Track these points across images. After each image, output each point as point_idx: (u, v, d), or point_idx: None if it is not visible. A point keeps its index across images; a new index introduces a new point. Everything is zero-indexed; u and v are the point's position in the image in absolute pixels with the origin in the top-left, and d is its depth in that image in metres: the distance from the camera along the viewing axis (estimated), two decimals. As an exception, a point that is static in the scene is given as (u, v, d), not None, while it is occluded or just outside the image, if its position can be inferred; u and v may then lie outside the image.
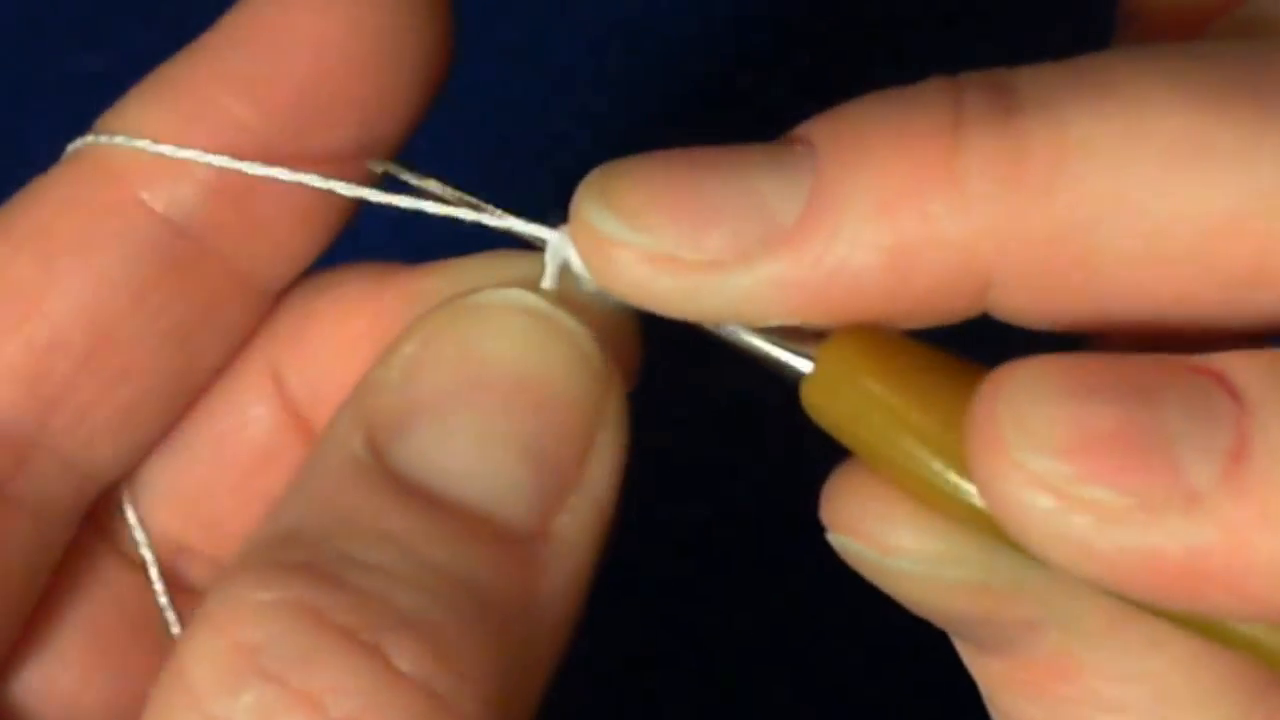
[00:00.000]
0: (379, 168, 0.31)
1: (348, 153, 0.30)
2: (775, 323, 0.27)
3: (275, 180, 0.30)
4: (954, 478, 0.26)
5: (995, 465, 0.24)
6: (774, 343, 0.28)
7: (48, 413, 0.30)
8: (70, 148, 0.30)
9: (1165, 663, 0.28)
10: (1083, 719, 0.28)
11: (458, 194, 0.30)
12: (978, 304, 0.27)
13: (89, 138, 0.30)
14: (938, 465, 0.26)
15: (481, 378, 0.27)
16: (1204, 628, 0.25)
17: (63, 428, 0.30)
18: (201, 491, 0.32)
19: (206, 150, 0.29)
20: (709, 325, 0.28)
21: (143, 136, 0.29)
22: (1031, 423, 0.24)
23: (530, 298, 0.28)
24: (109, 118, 0.30)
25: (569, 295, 0.29)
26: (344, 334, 0.31)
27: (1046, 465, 0.24)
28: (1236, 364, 0.24)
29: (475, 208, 0.30)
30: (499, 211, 0.30)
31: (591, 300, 0.29)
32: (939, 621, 0.28)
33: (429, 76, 0.30)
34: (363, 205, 0.31)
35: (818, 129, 0.27)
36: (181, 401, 0.31)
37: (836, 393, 0.27)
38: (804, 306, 0.27)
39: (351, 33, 0.29)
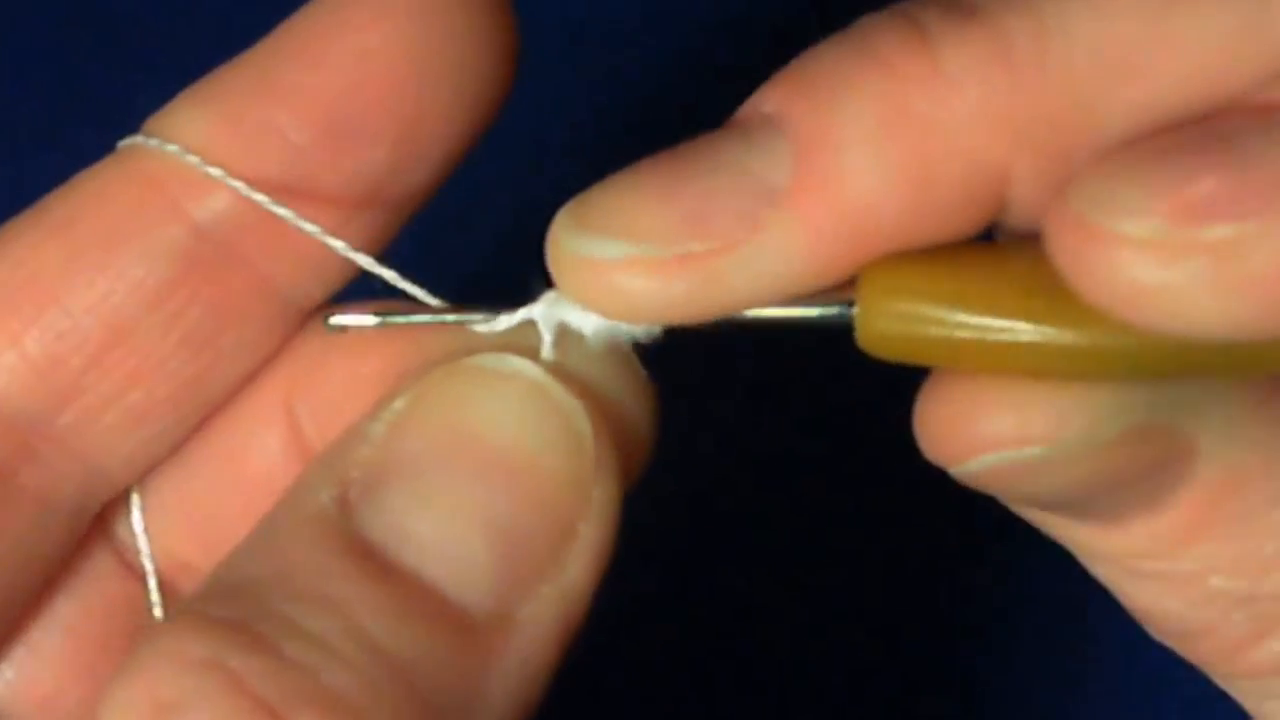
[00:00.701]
0: (329, 325, 0.30)
1: (384, 173, 0.29)
2: (802, 288, 0.26)
3: (281, 216, 0.29)
4: (1052, 329, 0.25)
5: (1104, 255, 0.23)
6: (808, 304, 0.27)
7: (59, 406, 0.30)
8: (120, 144, 0.30)
9: None
10: (1253, 534, 0.27)
11: (442, 303, 0.29)
12: (997, 204, 0.26)
13: (138, 137, 0.30)
14: (1032, 325, 0.25)
15: (464, 445, 0.27)
16: None
17: (73, 423, 0.30)
18: (207, 511, 0.32)
19: (246, 157, 0.29)
20: (736, 315, 0.27)
21: (185, 142, 0.29)
22: (1127, 200, 0.23)
23: (528, 366, 0.28)
24: (158, 119, 0.30)
25: (578, 371, 0.28)
26: (356, 373, 0.30)
27: (1155, 227, 0.23)
28: None
29: (459, 309, 0.29)
30: (482, 314, 0.29)
31: (603, 376, 0.28)
32: (1084, 506, 0.27)
33: (477, 100, 0.29)
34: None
35: (770, 96, 0.26)
36: (195, 411, 0.31)
37: (895, 318, 0.26)
38: (830, 255, 0.26)
39: (397, 49, 0.28)
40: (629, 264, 0.26)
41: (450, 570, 0.26)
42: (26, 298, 0.29)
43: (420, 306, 0.29)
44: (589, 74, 0.45)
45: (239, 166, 0.29)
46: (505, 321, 0.28)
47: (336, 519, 0.26)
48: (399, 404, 0.27)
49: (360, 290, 0.31)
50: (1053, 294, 0.24)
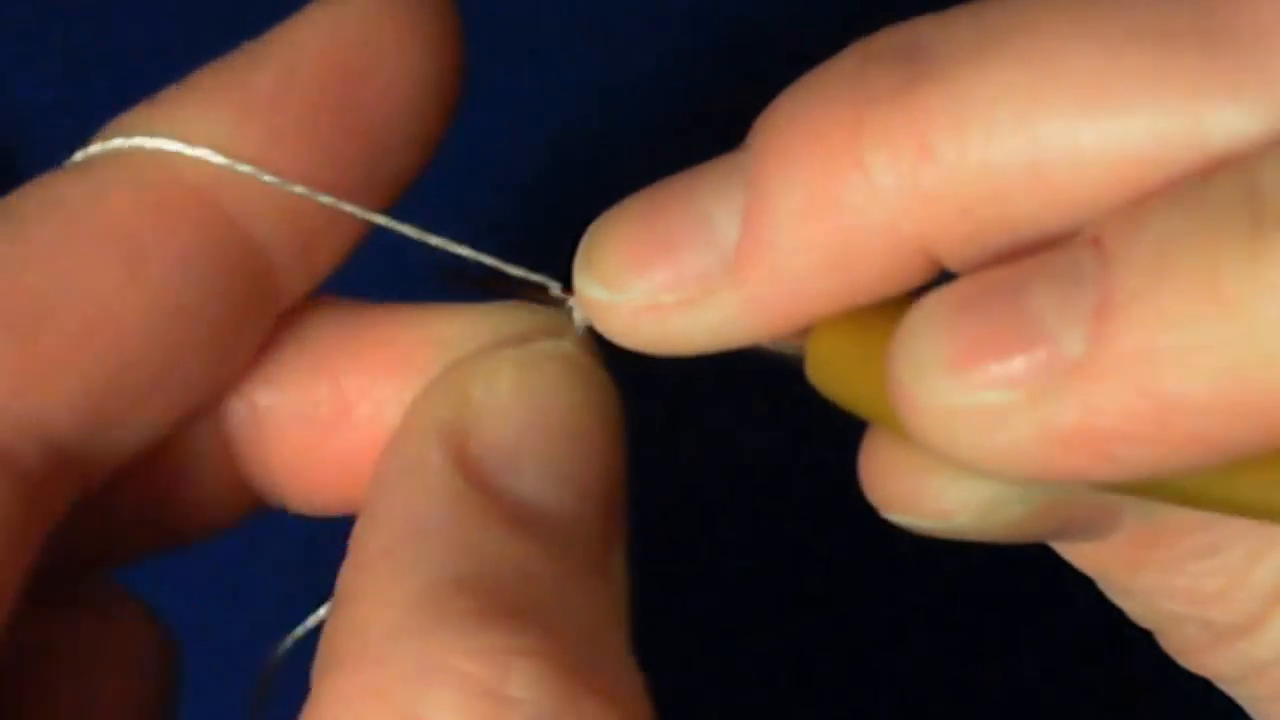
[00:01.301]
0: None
1: (388, 164, 0.31)
2: (762, 340, 0.29)
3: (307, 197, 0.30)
4: None
5: (908, 410, 0.25)
6: (772, 346, 0.29)
7: (100, 431, 0.29)
8: (105, 146, 0.30)
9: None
10: (1189, 575, 0.29)
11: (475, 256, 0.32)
12: (931, 268, 0.27)
13: (143, 139, 0.29)
14: None
15: (549, 426, 0.30)
16: (1160, 489, 0.25)
17: (101, 447, 0.29)
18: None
19: (259, 150, 0.29)
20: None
21: (191, 138, 0.29)
22: (916, 356, 0.25)
23: (576, 352, 0.31)
24: (142, 119, 0.30)
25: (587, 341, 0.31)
26: (333, 360, 0.31)
27: (939, 389, 0.24)
28: (1109, 223, 0.24)
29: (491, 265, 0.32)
30: (516, 269, 0.32)
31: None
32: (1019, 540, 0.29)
33: (439, 88, 0.31)
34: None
35: (756, 127, 0.28)
36: (188, 414, 0.31)
37: (831, 376, 0.28)
38: (770, 319, 0.28)
39: (360, 43, 0.30)
40: (616, 307, 0.29)
41: (578, 529, 0.29)
42: (81, 317, 0.29)
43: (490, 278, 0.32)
44: (596, 68, 0.45)
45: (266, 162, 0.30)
46: (546, 284, 0.31)
47: (484, 502, 0.28)
48: (477, 392, 0.30)
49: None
50: None
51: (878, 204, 0.26)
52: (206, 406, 0.31)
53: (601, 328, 0.30)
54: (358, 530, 0.29)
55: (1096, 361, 0.23)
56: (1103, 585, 0.30)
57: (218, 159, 0.29)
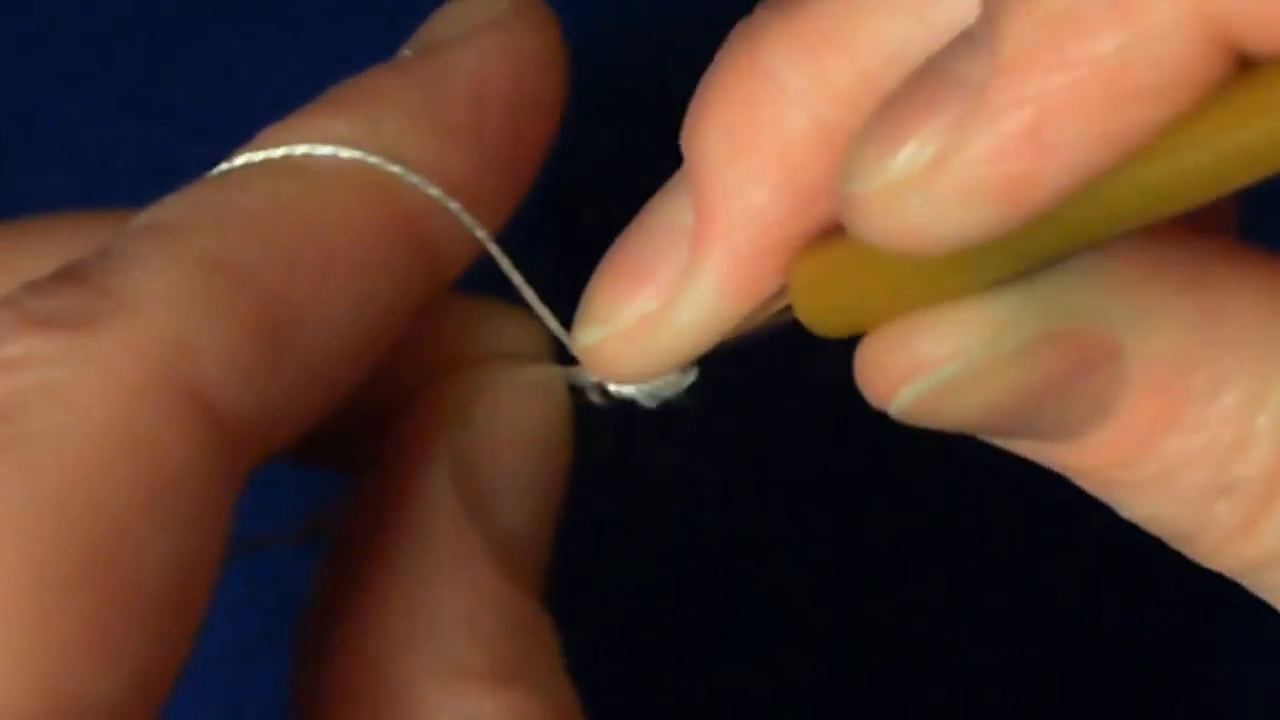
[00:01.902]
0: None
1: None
2: (742, 313, 0.30)
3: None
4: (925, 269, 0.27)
5: (858, 215, 0.25)
6: (765, 322, 0.30)
7: (294, 439, 0.29)
8: (316, 150, 0.30)
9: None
10: (1205, 424, 0.27)
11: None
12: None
13: (357, 154, 0.30)
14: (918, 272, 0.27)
15: (549, 455, 0.32)
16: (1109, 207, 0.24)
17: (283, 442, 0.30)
18: None
19: (463, 169, 0.31)
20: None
21: (403, 156, 0.30)
22: (854, 164, 0.25)
23: (560, 379, 0.33)
24: (343, 126, 0.30)
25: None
26: None
27: (874, 174, 0.24)
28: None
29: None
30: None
31: None
32: (1028, 426, 0.28)
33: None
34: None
35: (683, 130, 0.29)
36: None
37: (816, 304, 0.29)
38: (750, 281, 0.29)
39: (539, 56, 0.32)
40: (606, 344, 0.31)
41: (538, 554, 0.32)
42: (321, 343, 0.29)
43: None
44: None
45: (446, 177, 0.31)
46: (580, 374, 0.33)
47: (485, 546, 0.30)
48: (480, 417, 0.32)
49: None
50: None
51: (798, 105, 0.27)
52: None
53: (605, 369, 0.32)
54: (367, 537, 0.31)
55: (1004, 67, 0.22)
56: (1124, 494, 0.28)
57: (433, 191, 0.30)
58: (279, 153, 0.30)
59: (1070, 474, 0.28)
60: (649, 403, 0.33)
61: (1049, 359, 0.27)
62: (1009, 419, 0.28)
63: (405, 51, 0.32)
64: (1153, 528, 0.29)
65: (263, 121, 0.31)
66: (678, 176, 0.30)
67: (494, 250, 0.32)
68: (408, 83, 0.31)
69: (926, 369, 0.27)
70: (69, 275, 0.27)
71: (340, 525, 0.32)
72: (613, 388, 0.33)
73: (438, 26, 0.33)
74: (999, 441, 0.29)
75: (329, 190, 0.29)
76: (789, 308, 0.29)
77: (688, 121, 0.29)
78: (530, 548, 0.31)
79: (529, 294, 0.33)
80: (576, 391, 0.33)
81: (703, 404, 0.32)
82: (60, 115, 0.50)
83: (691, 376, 0.32)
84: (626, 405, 0.33)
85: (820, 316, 0.29)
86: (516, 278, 0.32)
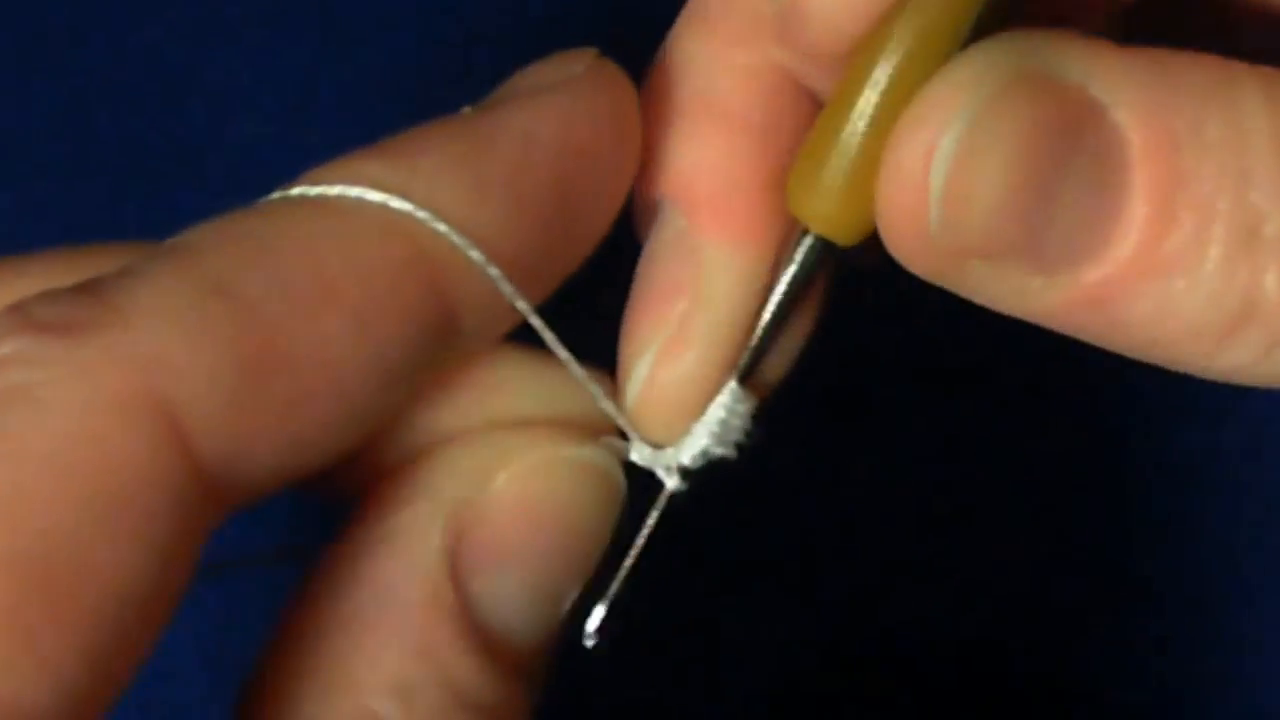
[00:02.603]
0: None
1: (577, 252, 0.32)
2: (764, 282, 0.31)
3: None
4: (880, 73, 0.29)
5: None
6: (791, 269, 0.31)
7: (284, 480, 0.29)
8: (348, 190, 0.29)
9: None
10: (1206, 245, 0.27)
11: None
12: (794, 84, 0.32)
13: (383, 197, 0.29)
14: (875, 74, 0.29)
15: (555, 536, 0.30)
16: None
17: (271, 485, 0.29)
18: None
19: (496, 224, 0.30)
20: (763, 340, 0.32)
21: (431, 204, 0.29)
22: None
23: (603, 459, 0.31)
24: (378, 169, 0.30)
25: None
26: None
27: None
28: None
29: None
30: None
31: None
32: (1042, 237, 0.28)
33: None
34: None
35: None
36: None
37: (825, 200, 0.30)
38: (756, 227, 0.31)
39: (614, 138, 0.32)
40: (653, 374, 0.32)
41: (532, 637, 0.31)
42: (313, 377, 0.28)
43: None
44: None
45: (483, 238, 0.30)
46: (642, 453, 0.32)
47: (458, 608, 0.30)
48: (502, 483, 0.30)
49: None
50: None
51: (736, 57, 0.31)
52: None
53: (662, 402, 0.31)
54: (333, 563, 0.30)
55: None
56: (1138, 311, 0.28)
57: (457, 238, 0.29)
58: (315, 190, 0.29)
59: (1089, 312, 0.28)
60: (723, 449, 0.32)
61: (1035, 107, 0.27)
62: (1035, 193, 0.27)
63: (466, 109, 0.32)
64: (1169, 341, 0.28)
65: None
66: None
67: (524, 307, 0.30)
68: (452, 134, 0.30)
69: (934, 137, 0.27)
70: (84, 286, 0.27)
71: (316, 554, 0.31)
72: (684, 454, 0.32)
73: (512, 84, 0.32)
74: (1050, 292, 0.28)
75: (346, 230, 0.29)
76: (807, 249, 0.30)
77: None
78: (523, 631, 0.30)
79: (570, 362, 0.32)
80: (638, 475, 0.32)
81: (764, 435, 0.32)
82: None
83: (749, 403, 0.32)
84: (702, 474, 0.32)
85: (825, 210, 0.30)
86: (550, 337, 0.31)
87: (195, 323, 0.27)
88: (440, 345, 0.30)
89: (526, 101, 0.31)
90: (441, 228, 0.29)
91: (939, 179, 0.27)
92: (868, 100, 0.28)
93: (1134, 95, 0.27)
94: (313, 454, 0.29)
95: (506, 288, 0.30)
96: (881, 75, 0.28)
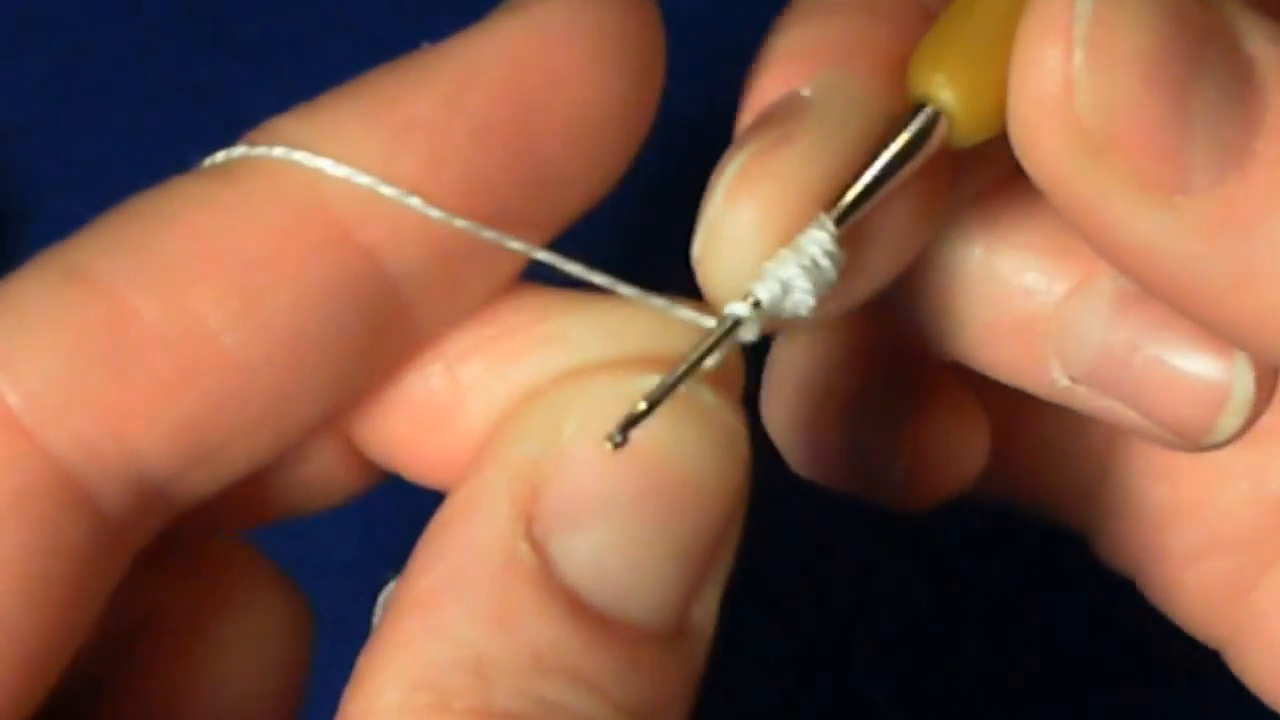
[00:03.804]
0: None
1: (568, 200, 0.28)
2: (875, 111, 0.28)
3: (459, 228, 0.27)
4: None
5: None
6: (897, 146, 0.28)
7: (194, 467, 0.27)
8: (252, 151, 0.27)
9: None
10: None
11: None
12: None
13: (281, 149, 0.27)
14: None
15: (648, 481, 0.27)
16: None
17: (196, 478, 0.28)
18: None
19: (413, 170, 0.27)
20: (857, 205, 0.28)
21: (343, 156, 0.27)
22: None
23: (698, 390, 0.27)
24: (293, 125, 0.28)
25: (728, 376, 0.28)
26: (453, 344, 0.29)
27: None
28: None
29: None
30: (663, 300, 0.28)
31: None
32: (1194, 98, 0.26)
33: (643, 129, 0.29)
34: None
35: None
36: (299, 439, 0.29)
37: (958, 73, 0.27)
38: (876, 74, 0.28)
39: (583, 70, 0.27)
40: (755, 159, 0.27)
41: (646, 604, 0.26)
42: (188, 353, 0.27)
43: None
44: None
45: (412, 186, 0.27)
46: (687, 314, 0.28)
47: (539, 570, 0.26)
48: (569, 427, 0.27)
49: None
50: None
51: None
52: (323, 426, 0.29)
53: (759, 187, 0.27)
54: (415, 553, 0.27)
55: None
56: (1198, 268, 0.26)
57: (363, 179, 0.27)
58: (222, 156, 0.28)
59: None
60: (803, 291, 0.27)
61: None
62: (1173, 92, 0.26)
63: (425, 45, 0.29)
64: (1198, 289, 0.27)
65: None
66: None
67: (465, 225, 0.27)
68: (383, 76, 0.28)
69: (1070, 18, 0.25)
70: None
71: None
72: (763, 293, 0.27)
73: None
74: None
75: (231, 196, 0.27)
76: (923, 120, 0.27)
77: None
78: (639, 607, 0.26)
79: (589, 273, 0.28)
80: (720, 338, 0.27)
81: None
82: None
83: (830, 229, 0.27)
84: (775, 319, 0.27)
85: (951, 85, 0.27)
86: (546, 256, 0.28)
87: (39, 311, 0.26)
88: (380, 300, 0.28)
89: (477, 29, 0.28)
90: (331, 169, 0.27)
91: (1080, 53, 0.25)
92: None
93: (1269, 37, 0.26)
94: (239, 433, 0.27)
95: (434, 212, 0.27)
96: None
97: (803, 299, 0.27)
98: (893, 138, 0.27)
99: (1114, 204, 0.26)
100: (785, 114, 0.27)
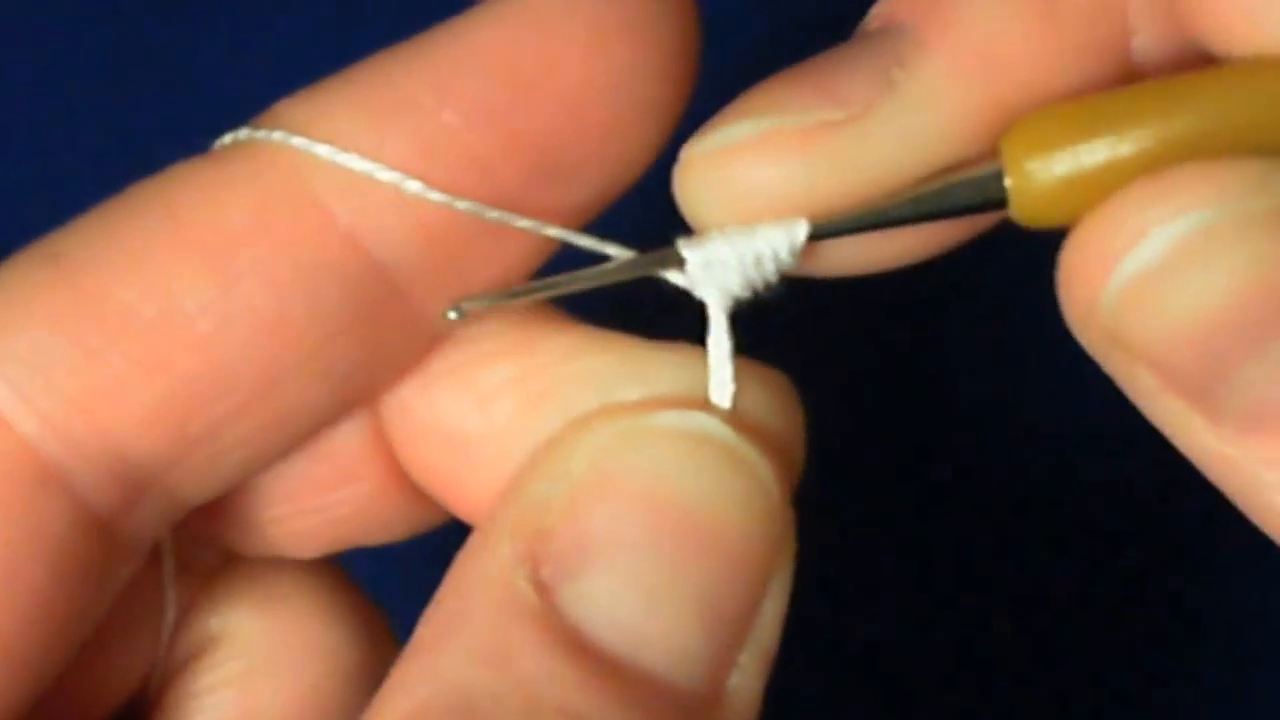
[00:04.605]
0: (453, 313, 0.28)
1: (582, 194, 0.27)
2: (939, 150, 0.26)
3: (458, 210, 0.27)
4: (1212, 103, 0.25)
5: None
6: (953, 185, 0.26)
7: (183, 455, 0.27)
8: (251, 135, 0.27)
9: None
10: None
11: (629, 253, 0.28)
12: (1120, 47, 0.26)
13: (277, 133, 0.26)
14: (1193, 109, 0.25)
15: (666, 520, 0.25)
16: None
17: (190, 469, 0.27)
18: (257, 494, 0.30)
19: (401, 153, 0.26)
20: (884, 212, 0.26)
21: (338, 140, 0.26)
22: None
23: (717, 426, 0.26)
24: (290, 108, 0.27)
25: (750, 412, 0.27)
26: (484, 379, 0.28)
27: None
28: None
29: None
30: (617, 264, 0.28)
31: (766, 408, 0.27)
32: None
33: (666, 114, 0.27)
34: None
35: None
36: (306, 430, 0.28)
37: (1053, 156, 0.25)
38: (964, 101, 0.25)
39: (589, 50, 0.26)
40: (759, 141, 0.26)
41: (665, 654, 0.25)
42: (168, 340, 0.26)
43: (550, 280, 0.28)
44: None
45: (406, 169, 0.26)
46: (647, 261, 0.27)
47: (539, 609, 0.25)
48: (577, 467, 0.26)
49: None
50: (1189, 87, 0.25)
51: None
52: (335, 417, 0.29)
53: (746, 169, 0.26)
54: (432, 599, 0.26)
55: None
56: None
57: (347, 159, 0.26)
58: (228, 138, 0.27)
59: None
60: (754, 280, 0.27)
61: None
62: (1239, 339, 0.24)
63: None
64: None
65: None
66: (883, 25, 0.26)
67: (448, 200, 0.26)
68: (383, 60, 0.27)
69: (1161, 215, 0.24)
70: None
71: None
72: (717, 249, 0.26)
73: None
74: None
75: (217, 180, 0.27)
76: (990, 175, 0.26)
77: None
78: (656, 640, 0.25)
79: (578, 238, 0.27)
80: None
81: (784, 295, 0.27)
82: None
83: (802, 234, 0.26)
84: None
85: (1042, 179, 0.25)
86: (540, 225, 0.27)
87: (12, 295, 0.26)
88: (370, 286, 0.27)
89: (475, 10, 0.27)
90: (326, 154, 0.26)
91: (1137, 264, 0.24)
92: (1152, 132, 0.25)
93: None
94: (228, 419, 0.27)
95: (413, 185, 0.26)
96: (1185, 124, 0.25)
97: (730, 279, 0.27)
98: (948, 188, 0.26)
99: (1138, 397, 0.26)
100: (863, 82, 0.26)
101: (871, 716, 0.52)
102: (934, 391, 0.54)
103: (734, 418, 0.27)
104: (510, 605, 0.25)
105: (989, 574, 0.52)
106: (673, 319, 0.28)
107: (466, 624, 0.25)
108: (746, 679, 0.25)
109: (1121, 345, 0.25)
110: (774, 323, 0.29)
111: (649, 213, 0.28)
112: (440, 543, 0.29)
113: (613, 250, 0.28)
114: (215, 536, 0.30)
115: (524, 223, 0.27)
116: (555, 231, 0.27)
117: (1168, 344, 0.24)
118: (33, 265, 0.26)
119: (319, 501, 0.30)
